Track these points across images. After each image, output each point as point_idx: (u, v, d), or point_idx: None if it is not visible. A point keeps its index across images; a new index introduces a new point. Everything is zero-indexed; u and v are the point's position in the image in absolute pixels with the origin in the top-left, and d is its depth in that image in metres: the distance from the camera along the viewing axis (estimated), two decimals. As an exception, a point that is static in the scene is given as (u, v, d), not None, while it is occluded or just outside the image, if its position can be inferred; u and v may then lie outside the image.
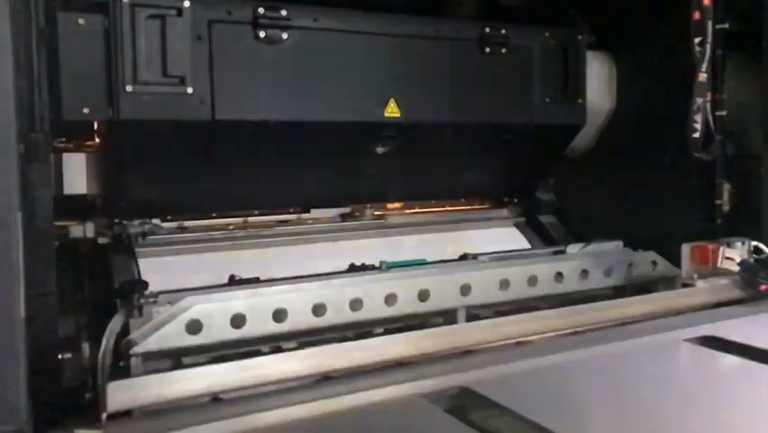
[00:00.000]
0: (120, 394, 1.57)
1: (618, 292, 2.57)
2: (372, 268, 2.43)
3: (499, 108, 2.73)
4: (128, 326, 1.86)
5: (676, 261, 2.58)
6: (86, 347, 1.96)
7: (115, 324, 1.88)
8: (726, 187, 2.69)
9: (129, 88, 2.04)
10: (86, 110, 2.03)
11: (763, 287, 2.40)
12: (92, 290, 2.24)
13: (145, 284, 2.03)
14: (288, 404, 1.57)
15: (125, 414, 1.58)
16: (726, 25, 2.57)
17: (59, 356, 1.80)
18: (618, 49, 3.04)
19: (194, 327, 1.83)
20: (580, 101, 2.88)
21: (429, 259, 2.70)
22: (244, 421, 1.50)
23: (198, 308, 1.84)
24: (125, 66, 2.04)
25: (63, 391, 1.77)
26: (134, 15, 2.04)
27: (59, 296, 1.69)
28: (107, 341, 1.84)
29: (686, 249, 2.52)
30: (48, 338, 1.65)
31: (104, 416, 1.55)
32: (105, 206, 2.38)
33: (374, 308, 2.10)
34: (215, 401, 1.68)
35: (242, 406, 1.58)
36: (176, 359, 1.90)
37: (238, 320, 1.89)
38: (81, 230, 2.31)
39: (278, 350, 2.00)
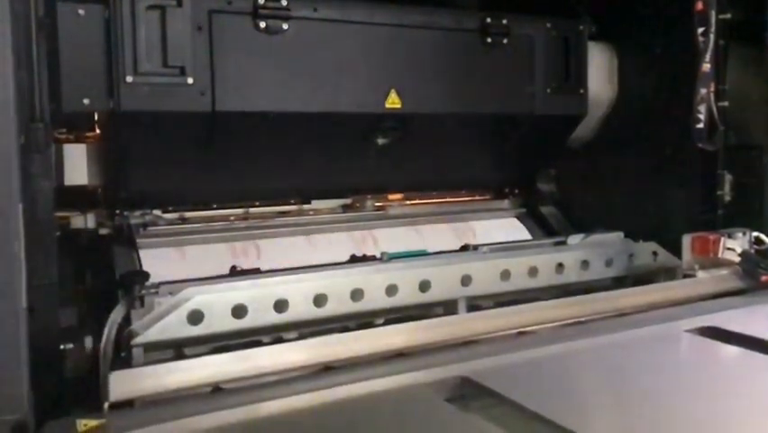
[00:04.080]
0: (122, 384, 1.58)
1: (619, 283, 2.57)
2: (373, 259, 2.43)
3: (500, 99, 2.72)
4: (130, 316, 1.87)
5: (677, 251, 2.58)
6: (87, 338, 1.97)
7: (117, 315, 1.88)
8: (728, 177, 2.68)
9: (129, 79, 2.04)
10: (86, 101, 2.03)
11: (763, 277, 2.40)
12: (93, 280, 2.24)
13: (146, 275, 2.03)
14: (289, 394, 1.58)
15: (127, 404, 1.58)
16: (729, 15, 2.56)
17: (61, 347, 1.80)
18: (620, 39, 3.03)
19: (195, 317, 1.83)
20: (581, 91, 2.87)
21: (430, 250, 2.69)
22: (245, 411, 1.50)
23: (199, 298, 1.84)
24: (125, 56, 2.03)
25: (65, 381, 1.78)
26: (134, 5, 2.03)
27: (60, 287, 1.70)
28: (109, 331, 1.84)
29: (687, 239, 2.52)
30: (49, 329, 1.66)
31: (105, 405, 1.56)
32: (105, 197, 2.38)
33: (375, 299, 2.10)
34: (217, 391, 1.68)
35: (244, 396, 1.59)
36: (177, 349, 1.91)
37: (239, 311, 1.89)
38: (82, 221, 2.31)
39: (280, 340, 2.01)
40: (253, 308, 1.91)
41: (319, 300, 2.01)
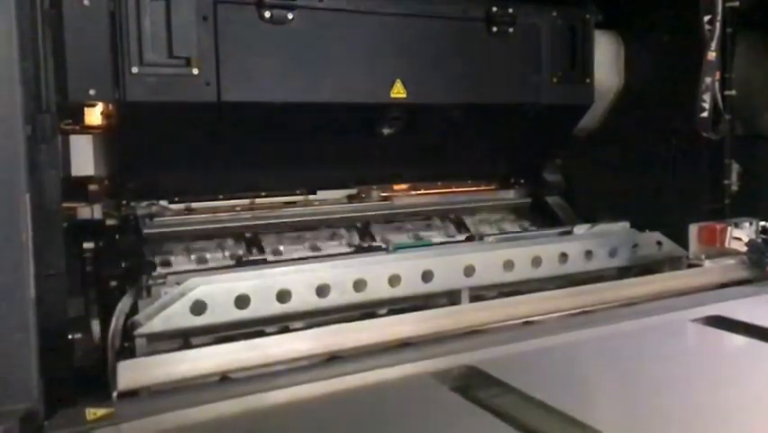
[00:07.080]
0: (130, 373, 1.60)
1: (623, 273, 2.56)
2: (379, 249, 2.43)
3: (506, 88, 2.71)
4: (137, 306, 1.88)
5: (684, 241, 2.57)
6: (96, 328, 1.98)
7: (124, 305, 1.90)
8: (735, 167, 2.67)
9: (135, 70, 2.04)
10: (92, 92, 2.03)
11: (770, 267, 2.39)
12: (100, 271, 2.25)
13: (154, 265, 2.05)
14: (296, 383, 1.59)
15: (135, 393, 1.60)
16: (737, 3, 2.53)
17: (70, 336, 1.81)
18: (626, 27, 3.01)
19: (198, 307, 1.83)
20: (587, 81, 2.86)
21: (435, 240, 2.70)
22: (252, 400, 1.51)
23: (202, 289, 1.85)
24: (131, 47, 2.03)
25: (74, 370, 1.79)
26: (139, -4, 2.03)
27: (67, 277, 1.71)
28: (116, 321, 1.86)
29: (693, 229, 2.51)
30: (58, 318, 1.67)
31: (114, 394, 1.57)
32: (112, 187, 2.39)
33: (378, 289, 2.10)
34: (225, 380, 1.69)
35: (251, 385, 1.60)
36: (184, 339, 1.92)
37: (242, 301, 1.90)
38: (89, 212, 2.32)
39: (284, 330, 2.01)
40: (256, 299, 1.91)
41: (322, 291, 2.01)
